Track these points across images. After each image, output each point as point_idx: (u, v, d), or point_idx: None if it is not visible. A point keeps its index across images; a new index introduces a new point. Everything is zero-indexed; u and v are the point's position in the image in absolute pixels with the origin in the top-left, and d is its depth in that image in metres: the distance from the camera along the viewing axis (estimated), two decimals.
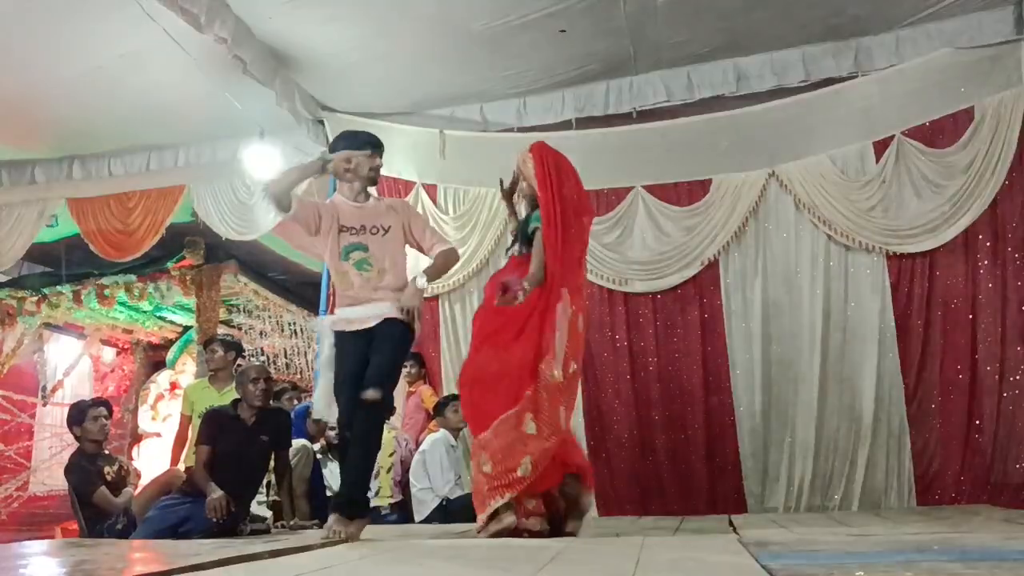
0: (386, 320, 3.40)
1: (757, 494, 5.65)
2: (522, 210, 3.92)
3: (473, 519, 3.49)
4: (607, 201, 6.18)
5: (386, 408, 3.43)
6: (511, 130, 6.18)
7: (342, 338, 3.48)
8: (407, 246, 3.70)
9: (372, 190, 3.79)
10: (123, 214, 7.19)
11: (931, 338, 5.46)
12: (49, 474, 9.32)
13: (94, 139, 6.87)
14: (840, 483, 5.47)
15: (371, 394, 3.21)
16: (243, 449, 4.19)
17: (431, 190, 6.53)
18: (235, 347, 5.41)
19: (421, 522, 5.23)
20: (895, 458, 5.41)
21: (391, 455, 5.56)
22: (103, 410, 4.84)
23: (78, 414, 4.80)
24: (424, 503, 5.28)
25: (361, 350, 3.39)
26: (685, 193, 6.10)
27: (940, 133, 5.51)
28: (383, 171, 6.46)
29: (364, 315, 3.44)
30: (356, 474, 3.38)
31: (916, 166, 5.51)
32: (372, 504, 5.27)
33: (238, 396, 4.36)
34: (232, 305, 9.31)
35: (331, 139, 6.34)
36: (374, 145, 3.65)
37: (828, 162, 5.73)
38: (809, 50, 5.61)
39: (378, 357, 3.34)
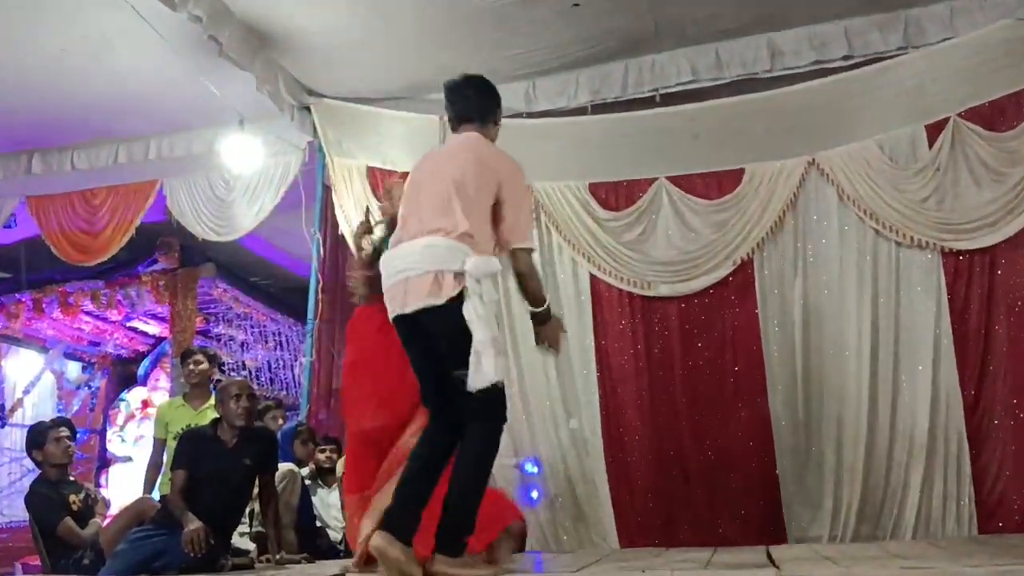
0: None
1: (798, 522, 5.62)
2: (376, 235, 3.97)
3: None
4: (627, 194, 6.16)
5: None
6: (520, 116, 6.17)
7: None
8: None
9: None
10: (88, 213, 7.22)
11: (993, 345, 5.41)
12: (8, 503, 9.35)
13: (56, 130, 6.89)
14: (892, 509, 5.43)
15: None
16: (224, 474, 4.18)
17: None
18: (216, 359, 5.43)
19: None
20: (953, 481, 5.36)
21: None
22: (65, 430, 4.85)
23: (37, 436, 4.82)
24: None
25: None
26: (715, 184, 6.07)
27: (1001, 115, 5.46)
28: (375, 163, 6.57)
29: None
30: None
31: (974, 152, 5.47)
32: None
33: (218, 415, 4.37)
34: (210, 314, 9.33)
35: (320, 127, 6.43)
36: None
37: (875, 148, 5.69)
38: (853, 23, 5.59)
39: None
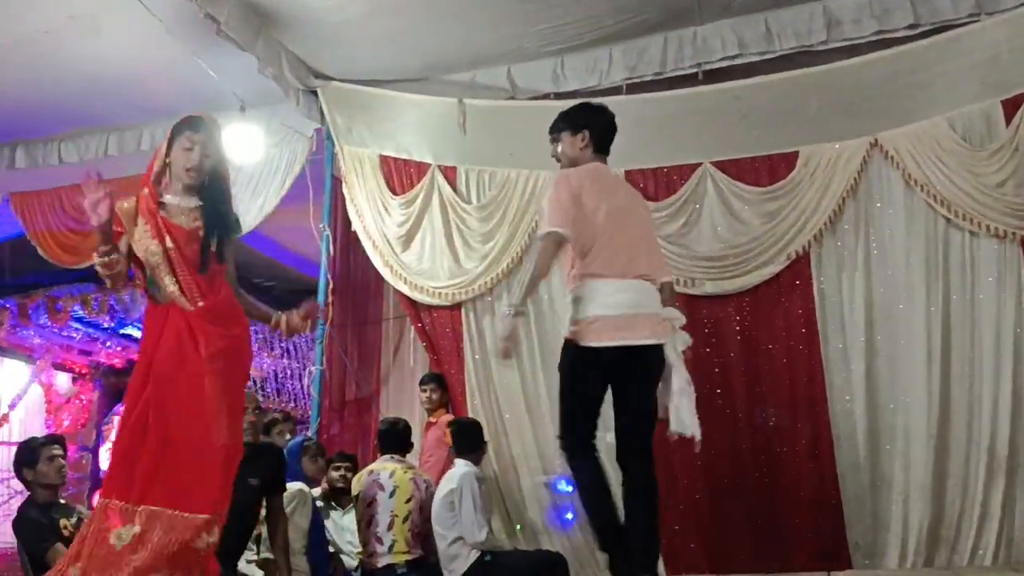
0: None
1: (864, 546, 5.56)
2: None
3: None
4: (668, 182, 6.15)
5: None
6: (546, 97, 6.16)
7: None
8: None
9: None
10: (77, 210, 7.28)
11: None
12: None
13: (40, 120, 6.97)
14: (969, 532, 5.35)
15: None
16: None
17: (450, 173, 6.54)
18: None
19: None
20: None
21: (408, 501, 5.54)
22: (58, 448, 4.88)
23: (29, 454, 4.84)
24: (458, 559, 5.24)
25: None
26: (765, 169, 6.05)
27: None
28: (389, 151, 6.59)
29: None
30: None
31: None
32: (385, 562, 5.30)
33: None
34: None
35: (328, 112, 6.46)
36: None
37: (945, 126, 5.63)
38: None
39: None
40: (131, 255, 3.35)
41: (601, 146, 4.06)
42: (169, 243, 3.30)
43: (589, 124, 4.04)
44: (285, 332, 3.68)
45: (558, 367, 3.90)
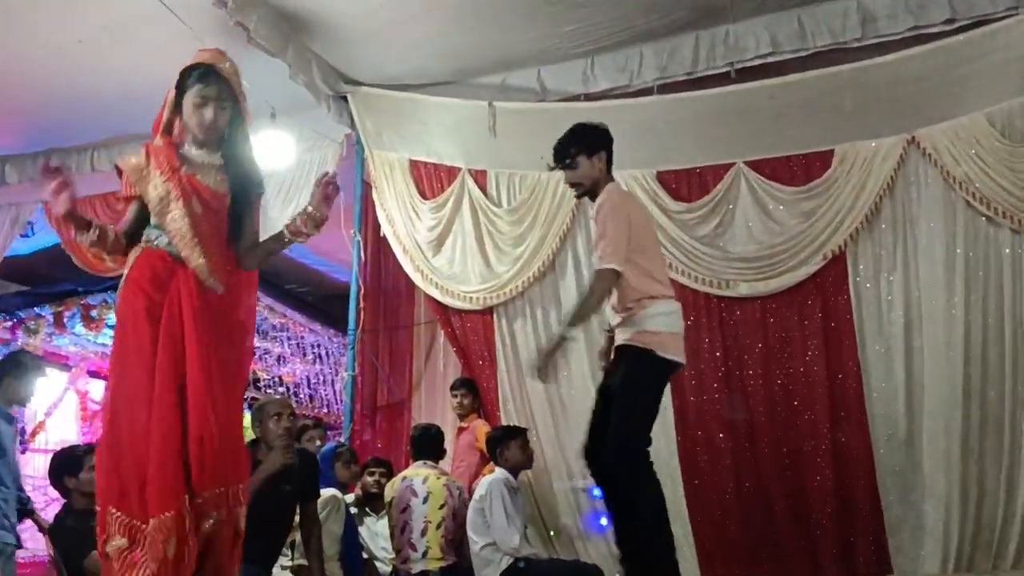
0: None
1: (906, 551, 5.51)
2: None
3: None
4: (700, 182, 6.14)
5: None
6: (577, 99, 6.16)
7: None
8: None
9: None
10: (111, 218, 7.36)
11: None
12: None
13: (74, 129, 7.07)
14: (1014, 536, 5.29)
15: None
16: (262, 501, 4.21)
17: (480, 177, 6.57)
18: None
19: None
20: None
21: (441, 507, 5.57)
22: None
23: (72, 462, 4.89)
24: (491, 564, 5.26)
25: None
26: (800, 169, 6.02)
27: None
28: (419, 156, 6.62)
29: None
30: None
31: None
32: (419, 568, 5.32)
33: (255, 436, 4.42)
34: None
35: (358, 117, 6.49)
36: None
37: (984, 123, 5.57)
38: None
39: None
40: (140, 217, 3.13)
41: (610, 172, 4.14)
42: (197, 206, 3.08)
43: (603, 144, 4.09)
44: (310, 230, 3.33)
45: (624, 375, 3.92)
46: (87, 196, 7.42)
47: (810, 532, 5.71)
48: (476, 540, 5.34)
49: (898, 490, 5.57)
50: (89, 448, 5.02)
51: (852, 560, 5.57)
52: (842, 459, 5.70)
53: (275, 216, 6.87)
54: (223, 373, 3.02)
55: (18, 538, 5.23)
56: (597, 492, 5.86)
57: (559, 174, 4.32)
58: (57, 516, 5.01)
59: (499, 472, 5.46)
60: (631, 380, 3.90)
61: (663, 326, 3.89)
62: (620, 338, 3.97)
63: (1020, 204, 5.43)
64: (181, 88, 3.20)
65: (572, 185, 4.18)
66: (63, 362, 10.21)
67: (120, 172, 3.14)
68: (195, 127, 3.16)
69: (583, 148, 4.06)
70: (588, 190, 4.10)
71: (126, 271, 3.10)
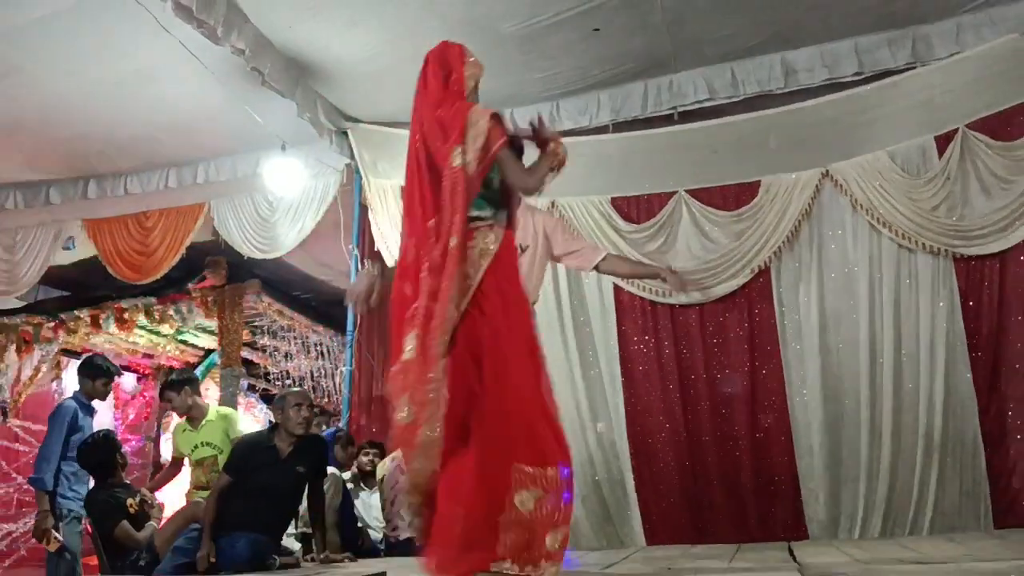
0: None
1: (818, 519, 5.57)
2: None
3: None
4: (648, 207, 6.16)
5: None
6: None
7: None
8: None
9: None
10: (142, 234, 7.32)
11: (1005, 347, 5.33)
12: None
13: (110, 157, 7.02)
14: (909, 506, 5.36)
15: None
16: (276, 481, 4.21)
17: None
18: (187, 381, 5.28)
19: None
20: (969, 478, 5.29)
21: None
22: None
23: (118, 443, 5.02)
24: None
25: None
26: (732, 196, 6.05)
27: (1008, 125, 5.40)
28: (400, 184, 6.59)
29: None
30: None
31: (982, 161, 5.40)
32: (406, 536, 5.31)
33: (275, 422, 4.40)
34: (256, 327, 9.42)
35: (356, 150, 6.48)
36: None
37: (887, 159, 5.65)
38: (862, 41, 5.54)
39: None
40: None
41: None
42: None
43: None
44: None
45: None
46: (122, 215, 7.40)
47: (741, 503, 5.74)
48: None
49: (812, 467, 5.61)
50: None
51: (773, 527, 5.60)
52: (766, 441, 5.74)
53: (284, 232, 6.89)
54: None
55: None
56: None
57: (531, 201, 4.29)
58: (90, 491, 5.00)
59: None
60: None
61: None
62: None
63: (916, 228, 5.51)
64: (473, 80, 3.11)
65: None
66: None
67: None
68: None
69: None
70: None
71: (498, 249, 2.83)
